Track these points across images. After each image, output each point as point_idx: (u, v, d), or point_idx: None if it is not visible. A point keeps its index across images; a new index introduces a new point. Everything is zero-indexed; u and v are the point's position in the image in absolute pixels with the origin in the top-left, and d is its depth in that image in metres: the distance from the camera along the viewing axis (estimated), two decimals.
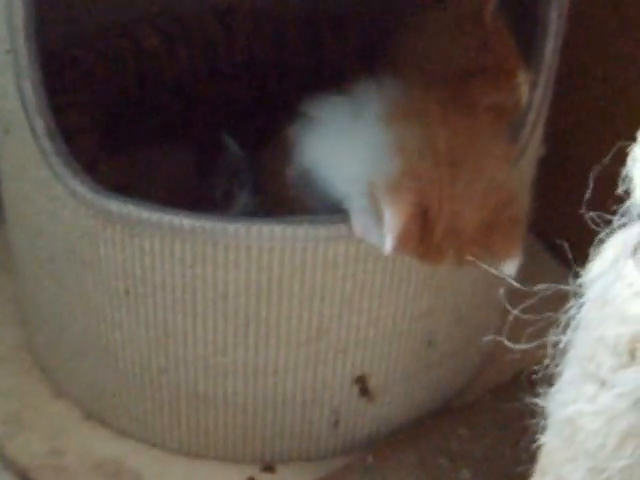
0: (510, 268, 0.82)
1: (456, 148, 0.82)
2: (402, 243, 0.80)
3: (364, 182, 0.83)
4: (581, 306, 0.65)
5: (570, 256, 0.69)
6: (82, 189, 0.87)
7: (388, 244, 0.80)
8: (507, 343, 0.68)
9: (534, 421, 0.69)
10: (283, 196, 0.94)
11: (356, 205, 0.86)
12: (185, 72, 1.23)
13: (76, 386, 1.08)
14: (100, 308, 0.96)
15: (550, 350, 0.68)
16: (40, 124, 0.85)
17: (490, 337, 0.70)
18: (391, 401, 1.05)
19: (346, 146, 0.88)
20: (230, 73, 1.23)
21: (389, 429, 1.06)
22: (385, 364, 1.01)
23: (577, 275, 0.66)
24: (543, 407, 0.69)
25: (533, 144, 1.01)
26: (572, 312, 0.66)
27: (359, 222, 0.87)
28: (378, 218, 0.81)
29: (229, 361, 0.96)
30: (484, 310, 1.08)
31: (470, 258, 0.82)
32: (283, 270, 0.89)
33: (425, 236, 0.81)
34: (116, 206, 0.87)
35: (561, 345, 0.67)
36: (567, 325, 0.66)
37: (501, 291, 0.72)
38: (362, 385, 1.02)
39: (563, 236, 0.75)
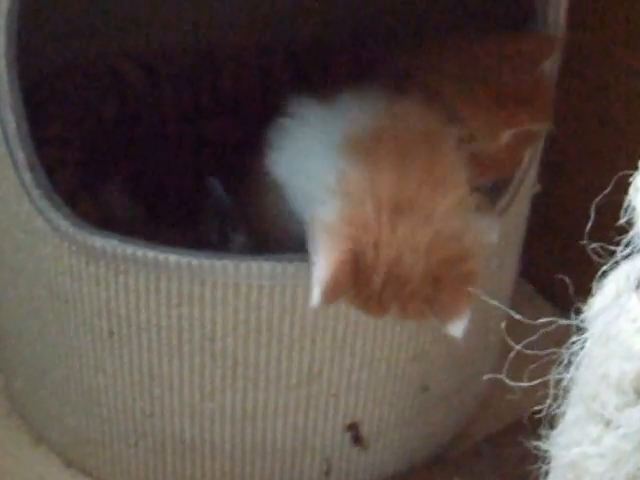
0: (456, 329, 0.78)
1: (403, 193, 0.77)
2: (332, 293, 0.76)
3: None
4: (584, 342, 0.63)
5: (571, 290, 0.67)
6: (64, 223, 0.85)
7: (315, 297, 0.76)
8: (507, 381, 0.65)
9: (535, 467, 0.66)
10: (274, 230, 0.91)
11: None
12: (168, 109, 1.21)
13: (57, 433, 1.04)
14: (82, 350, 0.93)
15: (552, 389, 0.65)
16: (21, 156, 0.83)
17: (490, 375, 0.67)
18: (385, 449, 1.02)
19: (309, 166, 0.84)
20: (215, 110, 1.21)
21: (383, 478, 1.03)
22: (379, 410, 0.98)
23: (579, 310, 0.64)
24: (544, 451, 0.67)
25: (527, 182, 0.99)
26: (575, 349, 0.63)
27: None
28: (311, 260, 0.78)
29: (216, 405, 0.93)
30: (479, 353, 1.05)
31: (414, 313, 0.79)
32: (273, 310, 0.86)
33: (362, 285, 0.77)
34: (100, 241, 0.84)
35: (563, 384, 0.65)
36: (569, 362, 0.64)
37: (502, 325, 0.69)
38: (355, 432, 0.99)
39: (558, 274, 0.73)
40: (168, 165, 1.18)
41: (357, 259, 0.76)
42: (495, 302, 0.71)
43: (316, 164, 0.82)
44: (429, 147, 0.81)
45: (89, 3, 1.17)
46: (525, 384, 0.64)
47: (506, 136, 0.87)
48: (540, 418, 0.65)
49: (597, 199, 0.67)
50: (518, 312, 0.74)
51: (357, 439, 0.99)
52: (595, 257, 0.63)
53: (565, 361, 0.64)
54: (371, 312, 0.81)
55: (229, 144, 1.19)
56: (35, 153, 0.85)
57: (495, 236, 0.88)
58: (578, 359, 0.63)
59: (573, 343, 0.64)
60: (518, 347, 0.65)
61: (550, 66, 0.93)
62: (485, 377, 0.69)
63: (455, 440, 1.10)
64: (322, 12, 1.25)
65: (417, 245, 0.77)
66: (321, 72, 1.16)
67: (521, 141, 0.90)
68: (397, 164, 0.78)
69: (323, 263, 0.76)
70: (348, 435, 0.99)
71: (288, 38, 1.25)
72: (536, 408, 0.64)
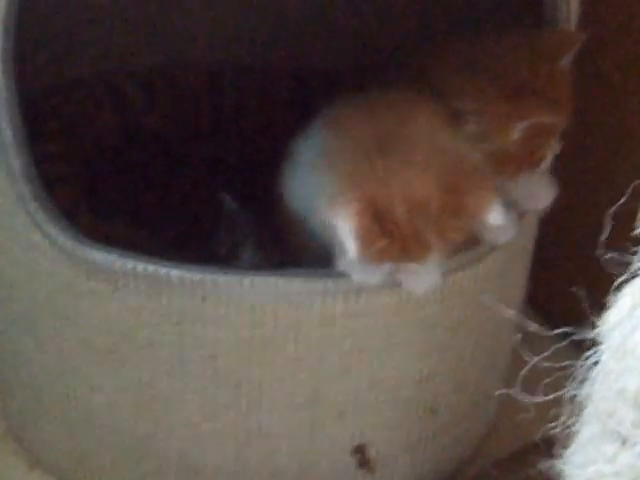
0: (495, 217, 0.78)
1: (384, 133, 0.79)
2: (367, 242, 0.75)
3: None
4: (599, 357, 0.61)
5: (586, 303, 0.64)
6: (62, 237, 0.83)
7: (352, 247, 0.75)
8: (519, 398, 0.63)
9: None
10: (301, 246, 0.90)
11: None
12: (168, 126, 1.19)
13: (54, 455, 1.01)
14: (81, 368, 0.91)
15: (566, 406, 0.63)
16: (17, 166, 0.81)
17: (502, 391, 0.64)
18: (392, 473, 0.99)
19: (314, 181, 0.84)
20: (215, 129, 1.20)
21: None
22: (386, 433, 0.95)
23: (594, 325, 0.61)
24: (558, 472, 0.64)
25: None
26: (590, 363, 0.61)
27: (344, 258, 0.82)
28: (337, 240, 0.77)
29: (218, 427, 0.90)
30: (487, 374, 1.02)
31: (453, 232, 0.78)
32: (277, 327, 0.84)
33: (390, 227, 0.76)
34: (99, 255, 0.82)
35: (578, 400, 0.62)
36: (584, 378, 0.62)
37: (518, 336, 0.66)
38: (361, 455, 0.96)
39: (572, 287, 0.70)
40: (171, 183, 1.16)
41: (373, 203, 0.76)
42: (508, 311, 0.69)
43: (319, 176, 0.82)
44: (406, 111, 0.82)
45: (89, 21, 1.16)
46: (539, 399, 0.62)
47: (517, 130, 0.85)
48: (550, 441, 0.64)
49: (611, 209, 0.65)
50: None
51: (364, 462, 0.96)
52: (610, 269, 0.60)
53: (580, 377, 0.62)
54: (415, 254, 0.78)
55: (233, 162, 1.18)
56: (33, 165, 0.83)
57: (513, 232, 0.88)
58: (593, 374, 0.61)
59: (588, 358, 0.61)
60: (535, 360, 0.62)
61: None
62: (497, 392, 0.66)
63: (463, 465, 1.07)
64: (326, 28, 1.24)
65: (418, 164, 0.77)
66: (325, 87, 1.14)
67: (536, 134, 0.86)
68: (372, 120, 0.81)
69: (344, 219, 0.75)
70: (355, 458, 0.96)
71: (290, 55, 1.24)
72: (548, 429, 0.62)
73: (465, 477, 1.05)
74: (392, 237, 0.77)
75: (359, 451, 0.95)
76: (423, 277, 0.83)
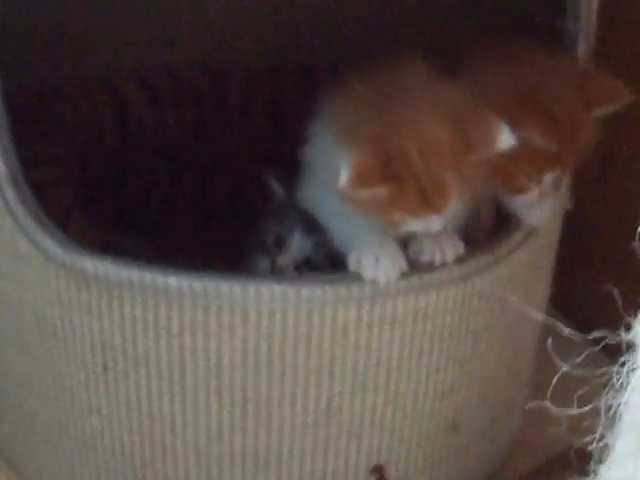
0: (505, 140, 0.75)
1: (382, 94, 0.77)
2: (364, 172, 0.72)
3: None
4: (636, 362, 0.55)
5: (620, 303, 0.58)
6: (51, 244, 0.77)
7: (343, 177, 0.71)
8: (551, 407, 0.57)
9: None
10: None
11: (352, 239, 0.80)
12: (171, 128, 1.14)
13: None
14: (75, 388, 0.84)
15: (600, 417, 0.57)
16: (3, 169, 0.75)
17: (532, 403, 0.59)
18: None
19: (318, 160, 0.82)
20: (221, 132, 1.14)
21: None
22: (405, 451, 0.89)
23: (629, 326, 0.55)
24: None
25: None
26: (625, 370, 0.55)
27: (354, 254, 0.79)
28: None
29: (225, 449, 0.84)
30: (511, 384, 0.97)
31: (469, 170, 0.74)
32: (285, 338, 0.77)
33: (403, 170, 0.73)
34: (91, 264, 0.75)
35: (613, 410, 0.56)
36: (620, 386, 0.57)
37: (549, 342, 0.61)
38: (380, 476, 0.90)
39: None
40: (174, 186, 1.11)
41: (382, 144, 0.73)
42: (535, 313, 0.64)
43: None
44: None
45: (90, 21, 1.11)
46: (568, 410, 0.57)
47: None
48: (581, 455, 0.60)
49: None
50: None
51: None
52: None
53: (615, 384, 0.56)
54: (434, 197, 0.74)
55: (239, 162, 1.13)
56: (20, 169, 0.77)
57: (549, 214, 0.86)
58: (629, 381, 0.55)
59: (623, 364, 0.55)
60: (564, 367, 0.56)
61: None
62: (526, 406, 0.60)
63: (489, 479, 1.01)
64: (330, 26, 1.19)
65: (421, 108, 0.75)
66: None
67: (524, 155, 0.79)
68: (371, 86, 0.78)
69: (349, 154, 0.72)
70: (373, 479, 0.89)
71: (296, 54, 1.19)
72: (578, 442, 0.59)
73: None
74: (403, 183, 0.73)
75: (377, 471, 0.89)
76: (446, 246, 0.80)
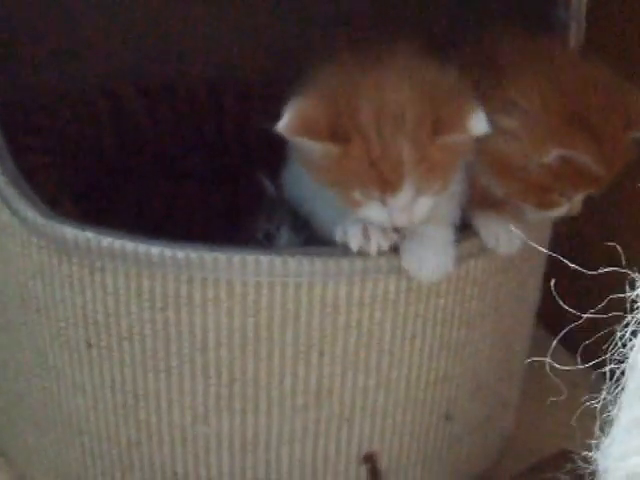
0: (478, 123, 0.70)
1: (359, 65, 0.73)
2: (305, 122, 0.68)
3: None
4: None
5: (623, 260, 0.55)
6: (32, 214, 0.74)
7: (284, 118, 0.68)
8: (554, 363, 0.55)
9: None
10: None
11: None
12: (169, 136, 1.13)
13: (38, 470, 0.93)
14: (59, 367, 0.82)
15: (605, 384, 0.54)
16: None
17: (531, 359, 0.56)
18: None
19: None
20: (218, 144, 1.13)
21: None
22: (398, 440, 0.86)
23: (633, 284, 0.52)
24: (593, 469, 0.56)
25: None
26: (629, 331, 0.52)
27: (340, 227, 0.75)
28: None
29: (211, 432, 0.81)
30: (504, 382, 0.95)
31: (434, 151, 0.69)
32: (273, 314, 0.75)
33: (349, 121, 0.68)
34: (71, 233, 0.73)
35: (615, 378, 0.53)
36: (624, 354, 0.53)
37: (552, 283, 0.59)
38: (371, 465, 0.87)
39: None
40: (173, 196, 1.10)
41: (334, 99, 0.69)
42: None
43: None
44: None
45: (92, 27, 1.11)
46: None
47: (553, 155, 0.75)
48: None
49: None
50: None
51: (374, 473, 0.87)
52: None
53: (619, 347, 0.53)
54: (384, 168, 0.69)
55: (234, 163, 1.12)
56: (4, 141, 0.75)
57: (518, 243, 0.80)
58: (634, 344, 0.52)
59: (627, 325, 0.52)
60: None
61: None
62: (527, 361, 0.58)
63: (481, 478, 0.98)
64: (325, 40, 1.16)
65: (393, 75, 0.71)
66: None
67: (566, 175, 0.77)
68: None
69: (298, 98, 0.70)
70: (364, 468, 0.86)
71: (293, 67, 1.17)
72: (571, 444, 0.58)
73: None
74: (350, 141, 0.68)
75: (369, 460, 0.86)
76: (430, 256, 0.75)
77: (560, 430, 0.58)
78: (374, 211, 0.72)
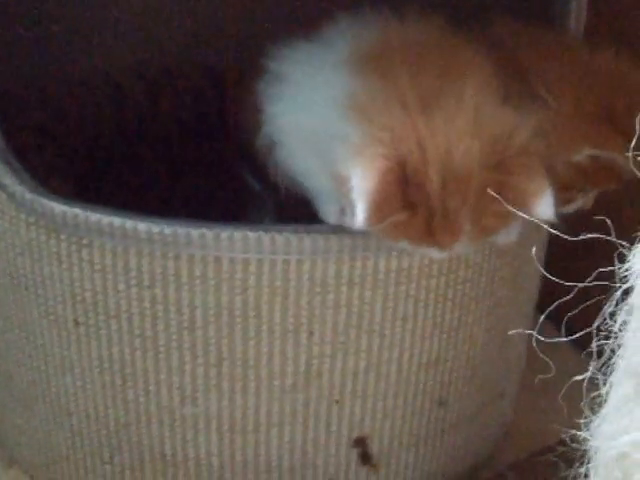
0: (545, 209, 0.66)
1: (426, 88, 0.68)
2: (381, 207, 0.64)
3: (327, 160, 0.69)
4: (630, 298, 0.51)
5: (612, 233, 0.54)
6: (20, 189, 0.74)
7: (359, 213, 0.63)
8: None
9: None
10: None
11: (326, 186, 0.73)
12: (170, 125, 1.12)
13: (28, 452, 0.92)
14: (48, 346, 0.82)
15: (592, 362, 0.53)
16: None
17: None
18: (397, 472, 0.89)
19: (308, 109, 0.74)
20: (220, 134, 1.12)
21: None
22: (390, 423, 0.85)
23: (622, 258, 0.51)
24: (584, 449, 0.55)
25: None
26: (618, 307, 0.51)
27: (333, 207, 0.73)
28: (348, 198, 0.65)
29: (200, 412, 0.81)
30: (500, 373, 0.93)
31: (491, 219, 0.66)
32: (261, 292, 0.74)
33: (416, 199, 0.65)
34: (59, 208, 0.73)
35: (605, 354, 0.53)
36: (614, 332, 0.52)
37: (533, 250, 0.57)
38: (362, 449, 0.86)
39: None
40: (174, 184, 1.10)
41: (403, 165, 0.65)
42: None
43: (318, 100, 0.72)
44: (445, 50, 0.71)
45: (94, 15, 1.10)
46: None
47: (584, 154, 0.75)
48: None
49: None
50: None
51: (365, 457, 0.86)
52: None
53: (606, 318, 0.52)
54: (441, 236, 0.67)
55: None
56: None
57: (514, 235, 0.77)
58: (624, 320, 0.52)
59: (616, 303, 0.51)
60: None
61: None
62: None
63: (476, 468, 0.97)
64: None
65: (462, 130, 0.65)
66: None
67: (593, 172, 0.76)
68: (412, 67, 0.68)
69: (364, 175, 0.64)
70: (355, 452, 0.85)
71: None
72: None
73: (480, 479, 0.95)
74: (416, 212, 0.66)
75: (360, 443, 0.85)
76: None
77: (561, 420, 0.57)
78: (415, 249, 0.72)
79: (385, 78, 0.69)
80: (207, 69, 1.14)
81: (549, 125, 0.75)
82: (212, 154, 1.13)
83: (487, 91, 0.69)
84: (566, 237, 0.56)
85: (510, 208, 0.64)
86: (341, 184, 0.67)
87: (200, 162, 1.13)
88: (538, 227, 0.88)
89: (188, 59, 1.14)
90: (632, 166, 0.74)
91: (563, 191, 0.77)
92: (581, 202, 0.80)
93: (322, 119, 0.71)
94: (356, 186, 0.64)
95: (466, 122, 0.66)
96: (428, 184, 0.65)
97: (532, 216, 0.65)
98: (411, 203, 0.66)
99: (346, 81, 0.70)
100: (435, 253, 0.71)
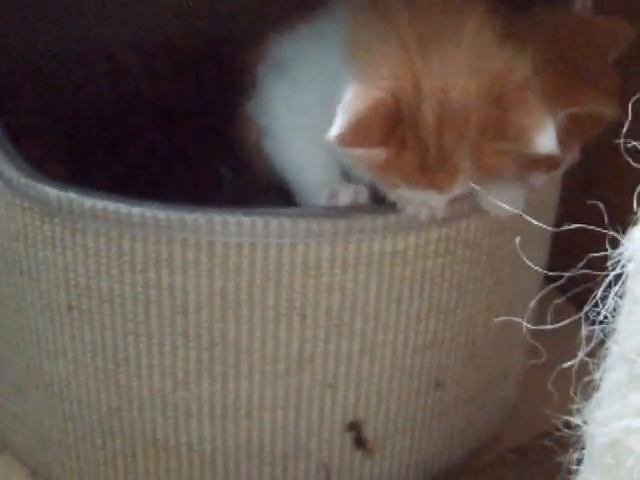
0: (546, 141, 0.65)
1: (424, 27, 0.68)
2: (361, 130, 0.63)
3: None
4: (623, 282, 0.50)
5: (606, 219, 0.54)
6: (15, 174, 0.74)
7: (337, 125, 0.63)
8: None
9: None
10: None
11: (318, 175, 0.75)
12: (168, 96, 1.11)
13: (20, 438, 0.92)
14: (41, 330, 0.82)
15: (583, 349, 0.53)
16: None
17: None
18: (393, 456, 0.89)
19: (306, 86, 0.75)
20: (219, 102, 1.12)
21: None
22: (384, 407, 0.85)
23: (615, 243, 0.51)
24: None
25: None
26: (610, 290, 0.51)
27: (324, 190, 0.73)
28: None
29: (192, 396, 0.80)
30: (502, 350, 0.92)
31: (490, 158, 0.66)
32: (254, 276, 0.74)
33: (410, 133, 0.65)
34: (54, 193, 0.73)
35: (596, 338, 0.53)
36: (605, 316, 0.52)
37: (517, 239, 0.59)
38: (356, 433, 0.86)
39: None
40: (170, 155, 1.09)
41: (397, 100, 0.64)
42: None
43: (317, 87, 0.73)
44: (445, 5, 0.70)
45: None
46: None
47: (561, 116, 0.74)
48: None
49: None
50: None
51: (360, 442, 0.86)
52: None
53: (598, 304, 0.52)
54: (438, 174, 0.66)
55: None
56: None
57: (519, 207, 0.76)
58: (616, 304, 0.51)
59: (609, 286, 0.51)
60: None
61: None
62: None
63: (477, 452, 0.97)
64: None
65: (460, 65, 0.66)
66: None
67: (581, 126, 0.77)
68: (411, 7, 0.69)
69: (355, 97, 0.64)
70: (349, 437, 0.85)
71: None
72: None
73: (480, 463, 0.95)
74: (406, 147, 0.65)
75: (354, 428, 0.85)
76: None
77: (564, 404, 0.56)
78: (410, 194, 0.71)
79: (384, 19, 0.69)
80: (205, 42, 1.13)
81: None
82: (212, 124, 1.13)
83: (486, 29, 0.69)
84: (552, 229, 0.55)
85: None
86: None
87: (202, 139, 1.13)
88: (545, 208, 0.89)
89: (187, 32, 1.13)
90: (605, 107, 0.75)
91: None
92: (569, 159, 0.80)
93: (321, 81, 0.72)
94: (344, 103, 0.64)
95: (464, 60, 0.66)
96: (420, 120, 0.65)
97: (534, 151, 0.65)
98: (401, 139, 0.66)
99: (344, 29, 0.71)
100: (435, 197, 0.70)
